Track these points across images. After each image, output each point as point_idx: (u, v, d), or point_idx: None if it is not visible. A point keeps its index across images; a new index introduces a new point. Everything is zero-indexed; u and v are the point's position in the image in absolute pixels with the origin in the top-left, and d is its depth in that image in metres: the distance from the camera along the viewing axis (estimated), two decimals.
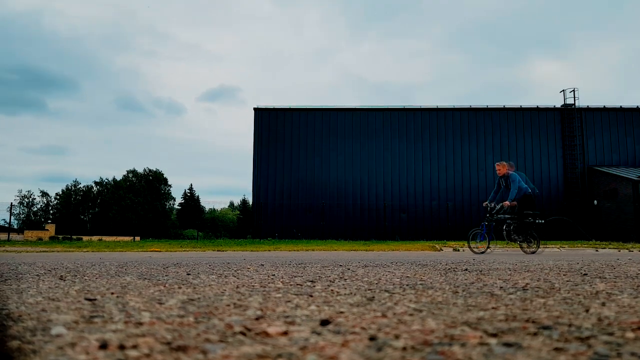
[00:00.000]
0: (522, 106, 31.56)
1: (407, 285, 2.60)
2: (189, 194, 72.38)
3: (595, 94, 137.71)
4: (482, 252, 8.48)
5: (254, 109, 31.84)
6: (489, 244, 8.71)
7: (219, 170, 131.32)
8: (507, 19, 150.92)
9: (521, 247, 8.79)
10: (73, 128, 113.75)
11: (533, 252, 8.43)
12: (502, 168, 8.76)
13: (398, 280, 2.92)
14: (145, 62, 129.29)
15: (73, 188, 72.11)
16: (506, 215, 8.57)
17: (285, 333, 1.27)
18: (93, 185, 72.19)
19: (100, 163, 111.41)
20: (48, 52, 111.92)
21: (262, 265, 4.75)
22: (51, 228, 49.19)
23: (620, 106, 31.09)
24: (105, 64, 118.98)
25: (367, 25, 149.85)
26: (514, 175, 8.60)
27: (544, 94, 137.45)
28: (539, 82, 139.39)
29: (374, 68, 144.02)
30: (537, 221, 8.41)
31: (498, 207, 8.54)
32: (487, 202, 8.81)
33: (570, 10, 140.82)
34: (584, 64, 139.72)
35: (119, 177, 70.33)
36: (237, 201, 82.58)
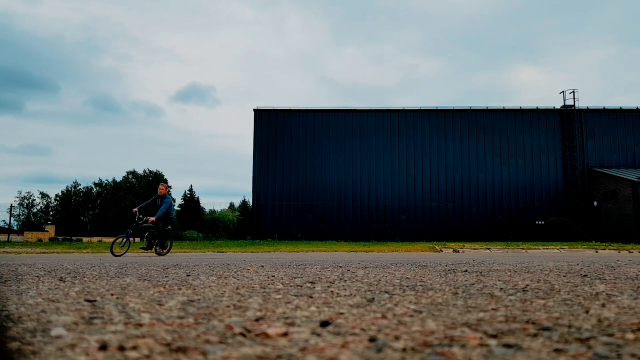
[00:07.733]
0: (522, 107, 31.51)
1: (407, 286, 2.60)
2: (188, 195, 72.27)
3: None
4: (120, 256, 9.33)
5: (254, 110, 31.78)
6: (128, 248, 9.84)
7: (217, 172, 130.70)
8: (487, 25, 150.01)
9: (156, 251, 10.20)
10: (53, 129, 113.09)
11: (164, 255, 10.05)
12: (164, 189, 10.41)
13: (398, 281, 2.92)
14: (123, 65, 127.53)
15: (73, 189, 72.04)
16: (149, 225, 10.03)
17: (285, 334, 1.27)
18: (93, 186, 72.16)
19: (85, 165, 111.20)
20: (22, 54, 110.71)
21: (262, 266, 4.75)
22: (51, 229, 49.08)
23: (620, 107, 31.07)
24: (81, 66, 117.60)
25: (348, 30, 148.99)
26: (168, 199, 10.30)
27: (524, 100, 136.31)
28: (520, 87, 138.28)
29: (351, 72, 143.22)
30: (169, 228, 10.31)
31: (145, 218, 10.08)
32: (136, 209, 10.07)
33: (546, 16, 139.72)
34: (563, 69, 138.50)
35: (118, 178, 70.33)
36: (237, 202, 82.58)
